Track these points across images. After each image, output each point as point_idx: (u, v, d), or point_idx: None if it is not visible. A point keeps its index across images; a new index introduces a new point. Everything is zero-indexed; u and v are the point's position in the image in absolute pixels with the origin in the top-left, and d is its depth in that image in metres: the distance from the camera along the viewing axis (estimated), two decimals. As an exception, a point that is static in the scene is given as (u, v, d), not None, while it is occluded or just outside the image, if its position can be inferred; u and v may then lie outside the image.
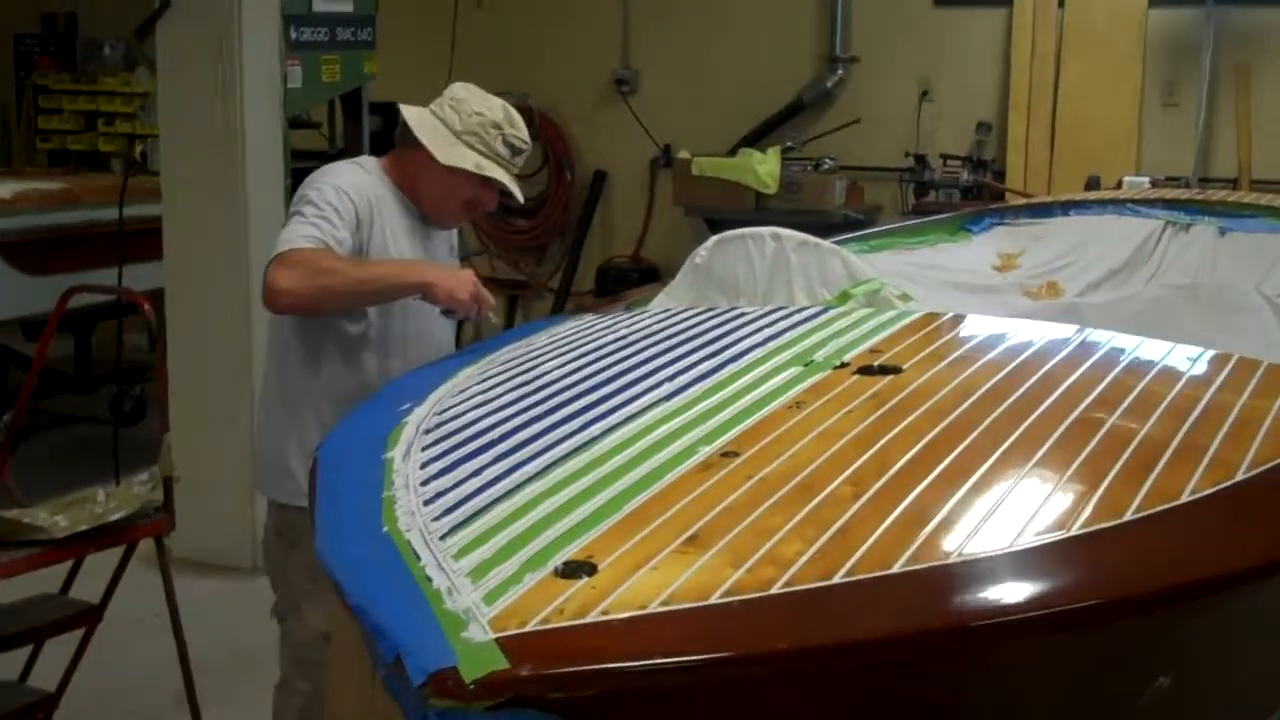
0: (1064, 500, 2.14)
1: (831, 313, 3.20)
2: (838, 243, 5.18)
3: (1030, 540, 2.00)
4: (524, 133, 3.36)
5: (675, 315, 3.29)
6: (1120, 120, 7.75)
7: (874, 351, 2.86)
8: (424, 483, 2.27)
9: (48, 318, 6.85)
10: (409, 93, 3.73)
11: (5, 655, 3.57)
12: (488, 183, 3.34)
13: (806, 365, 2.77)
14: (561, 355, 2.97)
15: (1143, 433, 2.39)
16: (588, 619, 1.78)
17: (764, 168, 7.82)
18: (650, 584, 1.86)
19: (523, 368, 2.90)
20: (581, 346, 3.04)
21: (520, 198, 3.38)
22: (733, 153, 8.22)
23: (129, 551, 3.74)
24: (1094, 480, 2.18)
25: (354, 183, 3.27)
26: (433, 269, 3.30)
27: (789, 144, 8.13)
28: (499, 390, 2.73)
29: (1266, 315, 4.11)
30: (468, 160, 3.28)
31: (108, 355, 7.18)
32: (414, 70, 7.36)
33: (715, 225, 8.22)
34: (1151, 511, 2.10)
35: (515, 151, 3.34)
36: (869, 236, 5.33)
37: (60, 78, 8.83)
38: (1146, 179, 7.09)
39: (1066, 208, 5.91)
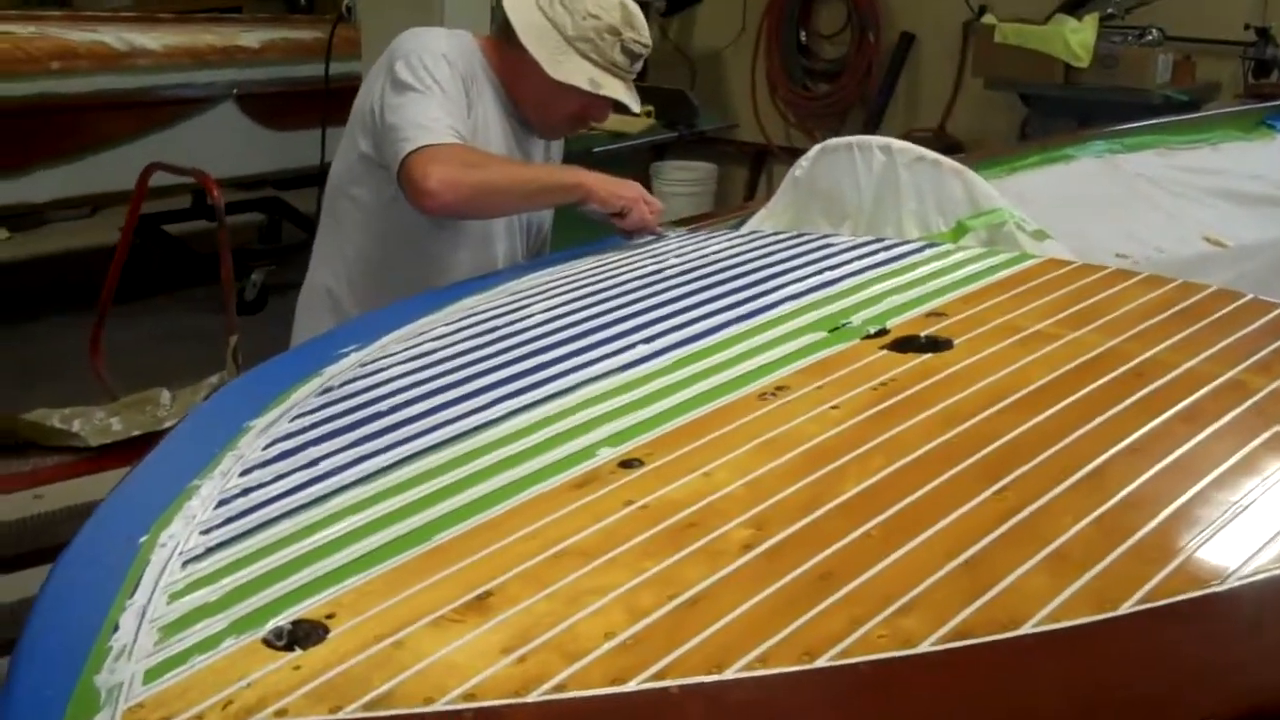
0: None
1: (928, 252, 2.55)
2: (1091, 136, 4.49)
3: (932, 648, 1.38)
4: (645, 35, 2.85)
5: (747, 242, 2.71)
6: None
7: (934, 315, 2.22)
8: (248, 470, 1.81)
9: (296, 175, 6.76)
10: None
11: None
12: (600, 96, 2.83)
13: (833, 331, 2.17)
14: (571, 291, 2.45)
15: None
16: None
17: (1076, 37, 6.90)
18: (380, 664, 1.36)
19: (512, 306, 2.39)
20: (607, 279, 2.52)
21: (637, 109, 2.86)
22: (1048, 19, 7.29)
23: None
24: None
25: (460, 51, 2.82)
26: (587, 171, 2.86)
27: (1110, 10, 7.13)
28: (452, 340, 2.24)
29: None
30: (580, 75, 2.80)
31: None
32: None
33: (1029, 101, 7.43)
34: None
35: (634, 58, 2.85)
36: (1132, 131, 4.48)
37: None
38: None
39: (1401, 104, 4.90)
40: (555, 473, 1.73)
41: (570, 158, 3.20)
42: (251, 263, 6.55)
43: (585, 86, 2.79)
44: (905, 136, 7.98)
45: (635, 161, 7.46)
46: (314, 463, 1.80)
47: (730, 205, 7.92)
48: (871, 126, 8.30)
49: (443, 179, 2.57)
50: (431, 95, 2.68)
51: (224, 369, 3.45)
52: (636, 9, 2.87)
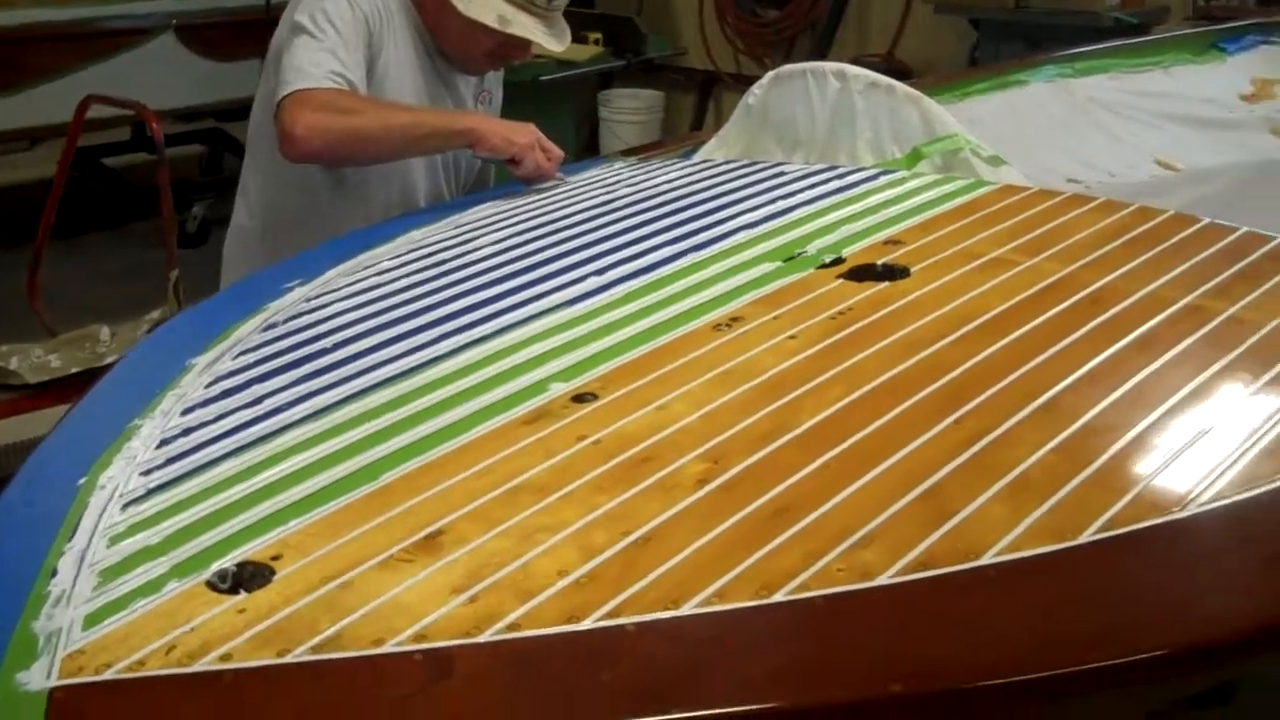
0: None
1: (883, 179, 2.52)
2: (1043, 61, 4.46)
3: (891, 580, 1.36)
4: None
5: (699, 172, 2.66)
6: None
7: (890, 243, 2.19)
8: (189, 409, 1.76)
9: (238, 106, 6.64)
10: None
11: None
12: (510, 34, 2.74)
13: (789, 260, 2.13)
14: (520, 222, 2.40)
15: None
16: (194, 668, 1.25)
17: (1026, -40, 6.84)
18: (328, 606, 1.32)
19: (460, 239, 2.34)
20: (556, 210, 2.47)
21: (555, 47, 2.77)
22: (997, -60, 7.23)
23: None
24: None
25: None
26: (479, 114, 2.78)
27: (1062, -67, 7.08)
28: (398, 274, 2.20)
29: None
30: (489, 12, 2.69)
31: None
32: None
33: (979, 26, 7.38)
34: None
35: None
36: (1084, 55, 4.45)
37: None
38: None
39: (1353, 26, 4.88)
40: (506, 408, 1.69)
41: (515, 86, 3.12)
42: (193, 195, 6.45)
43: (493, 24, 2.69)
44: (854, 63, 7.95)
45: (583, 89, 7.37)
46: (258, 400, 1.76)
47: (678, 133, 7.86)
48: (820, 53, 8.22)
49: (310, 125, 2.49)
50: (322, 39, 2.58)
51: (165, 304, 3.38)
52: None
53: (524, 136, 2.67)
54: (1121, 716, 1.41)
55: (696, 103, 8.77)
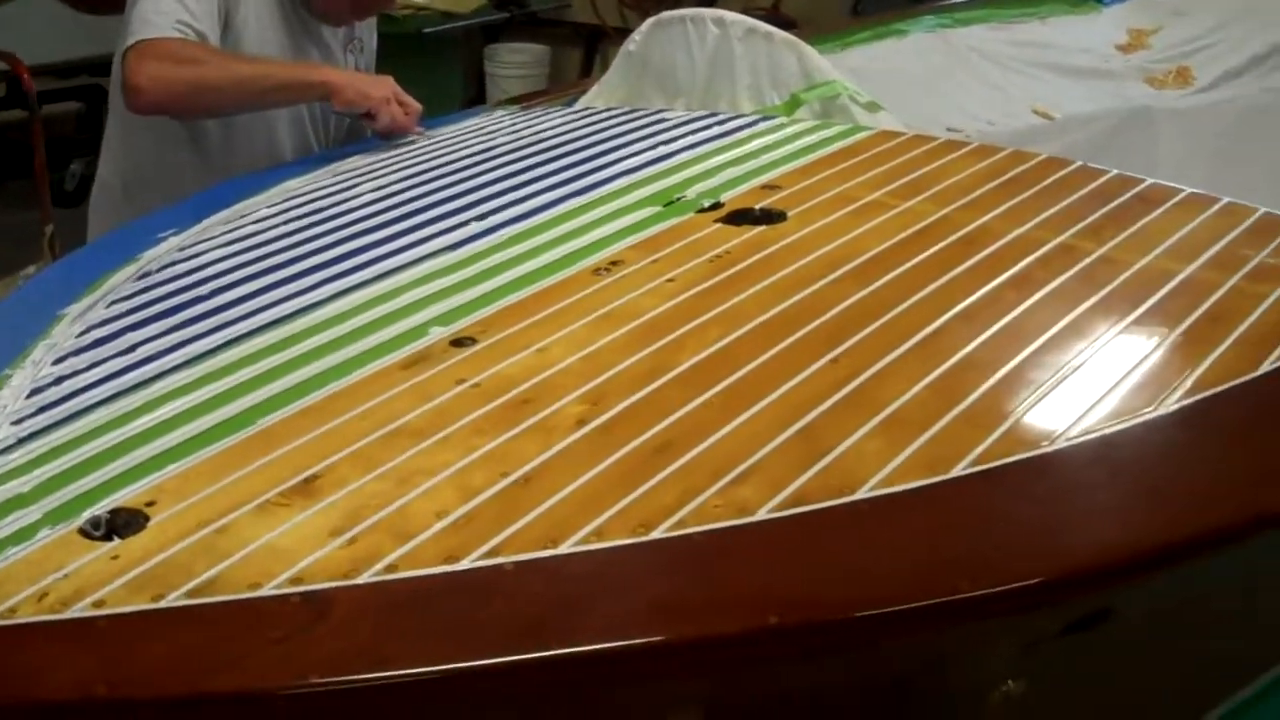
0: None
1: (762, 125, 2.53)
2: (923, 11, 4.50)
3: (768, 516, 1.37)
4: None
5: (580, 119, 2.66)
6: None
7: (768, 188, 2.20)
8: (61, 358, 1.73)
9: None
10: None
11: None
12: None
13: (668, 205, 2.14)
14: (399, 170, 2.38)
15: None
16: (66, 614, 1.24)
17: (907, -88, 6.87)
18: (203, 551, 1.31)
19: (338, 187, 2.32)
20: (437, 158, 2.45)
21: None
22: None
23: None
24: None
25: None
26: (334, 68, 2.70)
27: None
28: (275, 222, 2.17)
29: None
30: None
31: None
32: None
33: (860, -24, 7.42)
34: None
35: None
36: (963, 6, 4.49)
37: None
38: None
39: (1226, -27, 4.96)
40: (385, 353, 1.69)
41: (399, 39, 3.09)
42: (72, 153, 6.31)
43: None
44: (741, 14, 7.96)
45: (468, 43, 7.31)
46: (132, 349, 1.74)
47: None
48: (705, 5, 8.21)
49: (152, 75, 2.43)
50: None
51: (40, 261, 3.31)
52: None
53: (379, 90, 2.61)
54: (999, 646, 1.44)
55: (583, 56, 8.72)
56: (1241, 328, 1.79)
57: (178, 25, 2.46)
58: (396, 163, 2.44)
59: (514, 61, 7.84)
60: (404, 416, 1.54)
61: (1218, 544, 1.49)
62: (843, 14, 7.08)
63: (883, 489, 1.43)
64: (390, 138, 2.64)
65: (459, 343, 1.70)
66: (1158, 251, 1.99)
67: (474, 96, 7.40)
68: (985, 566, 1.38)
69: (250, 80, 2.55)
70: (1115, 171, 2.28)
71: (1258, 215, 2.13)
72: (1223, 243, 2.03)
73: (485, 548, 1.32)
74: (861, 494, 1.41)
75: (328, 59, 2.81)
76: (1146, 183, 2.24)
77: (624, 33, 7.81)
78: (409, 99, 2.65)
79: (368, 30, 2.96)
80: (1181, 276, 1.92)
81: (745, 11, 7.05)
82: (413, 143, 2.60)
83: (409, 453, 1.47)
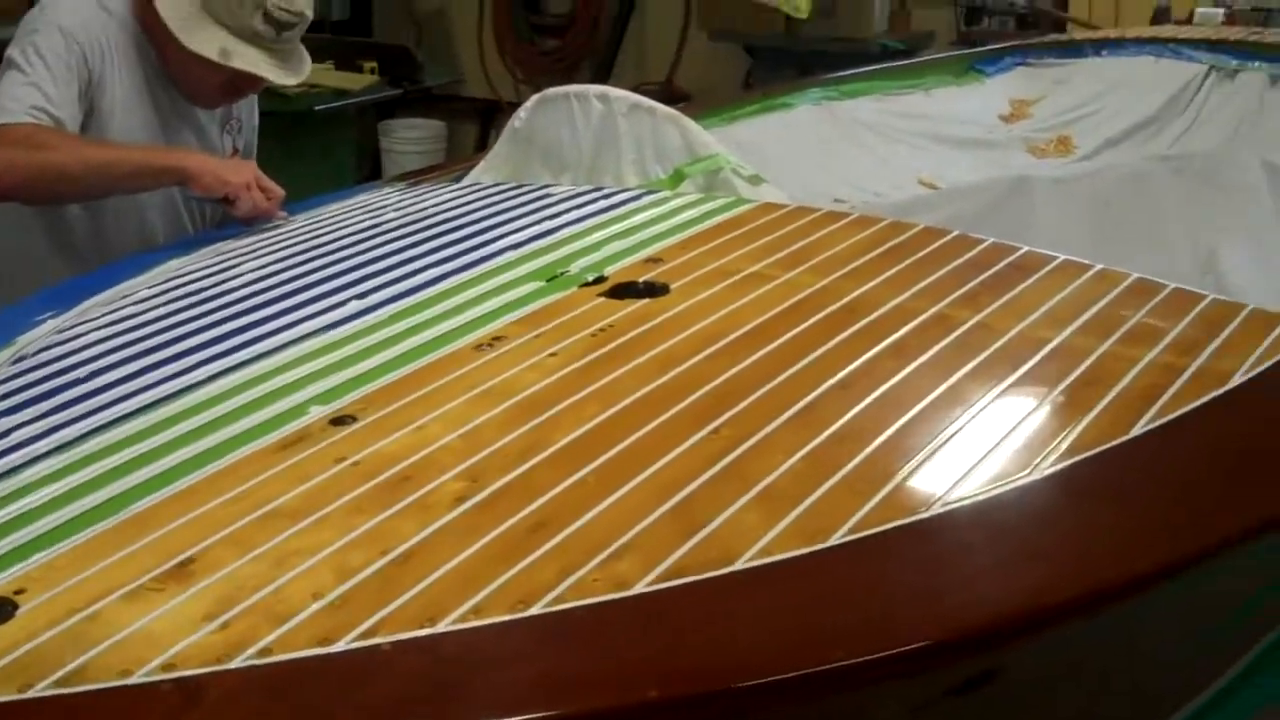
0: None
1: (646, 199, 2.55)
2: (810, 84, 4.57)
3: (646, 589, 1.37)
4: (295, 1, 2.63)
5: (466, 195, 2.67)
6: (1204, -67, 6.75)
7: (651, 261, 2.22)
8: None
9: None
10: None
11: None
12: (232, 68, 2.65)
13: (551, 279, 2.15)
14: (282, 249, 2.37)
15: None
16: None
17: (796, -11, 7.01)
18: (73, 639, 1.28)
19: (220, 267, 2.30)
20: (320, 236, 2.45)
21: (289, 81, 2.70)
22: (770, -29, 7.38)
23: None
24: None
25: (86, 24, 2.61)
26: (193, 152, 2.68)
27: (829, -38, 7.27)
28: (155, 303, 2.16)
29: (1263, 197, 3.35)
30: (211, 45, 2.60)
31: None
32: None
33: (753, 53, 7.53)
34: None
35: (282, 26, 2.63)
36: (849, 79, 4.57)
37: None
38: (1221, 11, 6.19)
39: (1099, 47, 5.11)
40: (263, 433, 1.67)
41: (291, 116, 3.08)
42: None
43: (214, 58, 2.60)
44: (634, 90, 8.03)
45: (363, 120, 7.32)
46: (4, 434, 1.71)
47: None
48: (600, 81, 8.29)
49: (1, 162, 2.42)
50: (29, 73, 2.51)
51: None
52: None
53: (238, 175, 2.58)
54: (883, 712, 1.45)
55: (479, 131, 8.77)
56: (1114, 391, 1.83)
57: (32, 111, 2.45)
58: (279, 242, 2.43)
59: (410, 137, 7.86)
60: (281, 497, 1.53)
61: (1096, 604, 1.52)
62: (736, 88, 7.19)
63: (760, 559, 1.43)
64: (253, 223, 2.61)
65: (339, 421, 1.70)
66: (1032, 318, 2.03)
67: (369, 173, 7.40)
68: (863, 633, 1.39)
69: (103, 166, 2.52)
70: (991, 240, 2.32)
71: (1130, 280, 2.18)
72: (1095, 308, 2.07)
73: (362, 628, 1.31)
74: (739, 565, 1.42)
75: (202, 140, 2.80)
76: (1022, 250, 2.28)
77: (519, 106, 7.89)
78: (270, 183, 2.63)
79: (247, 109, 2.94)
80: (1055, 342, 1.96)
81: (638, 87, 7.15)
82: (302, 221, 2.59)
83: (286, 534, 1.46)
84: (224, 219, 2.77)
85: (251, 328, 2.00)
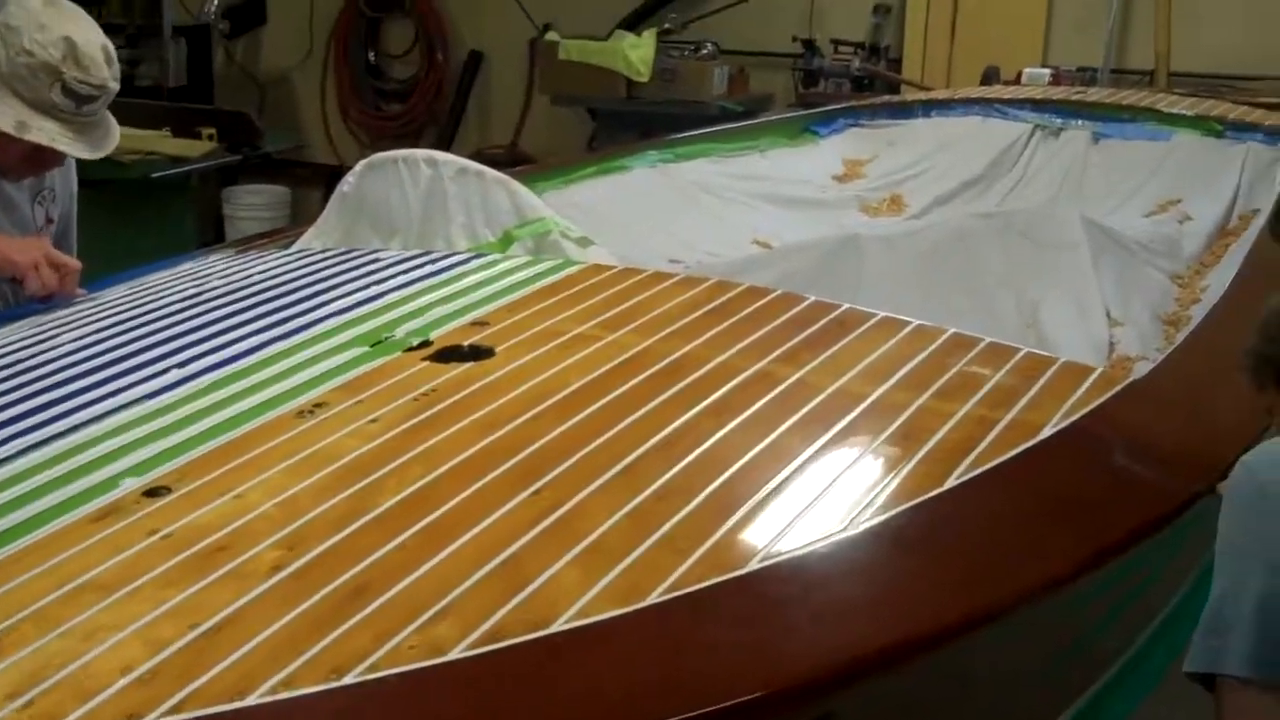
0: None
1: (474, 263, 2.56)
2: (646, 146, 4.62)
3: (462, 654, 1.37)
4: (97, 73, 2.56)
5: (293, 261, 2.65)
6: (1027, 5, 6.99)
7: (478, 324, 2.22)
8: None
9: None
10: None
11: None
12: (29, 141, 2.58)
13: (376, 345, 2.14)
14: (102, 319, 2.34)
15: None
16: None
17: (636, 53, 7.12)
18: None
19: (37, 339, 2.26)
20: (141, 305, 2.41)
21: (91, 155, 2.64)
22: (609, 35, 7.46)
23: None
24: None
25: None
26: None
27: (668, 25, 7.39)
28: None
29: (1082, 253, 3.46)
30: (7, 119, 2.54)
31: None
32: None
33: (595, 115, 7.59)
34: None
35: (82, 100, 2.57)
36: (685, 140, 4.63)
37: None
38: (1048, 71, 6.39)
39: (930, 108, 5.24)
40: (73, 507, 1.65)
41: (126, 185, 3.01)
42: None
43: (10, 130, 2.53)
44: (478, 154, 8.08)
45: (204, 187, 7.23)
46: None
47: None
48: (444, 146, 8.31)
49: None
50: None
51: None
52: (93, 43, 2.57)
53: (25, 255, 2.53)
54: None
55: (323, 197, 8.68)
56: (929, 445, 1.87)
57: None
58: (100, 312, 2.39)
59: (252, 203, 7.78)
60: (91, 571, 1.50)
61: (909, 654, 1.54)
62: (579, 150, 7.24)
63: (579, 620, 1.44)
64: (45, 301, 2.55)
65: (152, 493, 1.67)
66: (851, 374, 2.07)
67: (213, 240, 7.30)
68: (680, 689, 1.40)
69: None
70: (813, 298, 2.36)
71: (947, 336, 2.23)
72: (913, 363, 2.12)
73: (170, 702, 1.29)
74: (558, 626, 1.43)
75: (10, 212, 2.73)
76: (843, 308, 2.33)
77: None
78: (65, 259, 2.58)
79: (62, 177, 2.88)
80: (873, 397, 2.00)
81: (481, 151, 7.16)
82: (124, 291, 2.55)
83: (95, 608, 1.43)
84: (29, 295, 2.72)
85: (67, 399, 1.96)
